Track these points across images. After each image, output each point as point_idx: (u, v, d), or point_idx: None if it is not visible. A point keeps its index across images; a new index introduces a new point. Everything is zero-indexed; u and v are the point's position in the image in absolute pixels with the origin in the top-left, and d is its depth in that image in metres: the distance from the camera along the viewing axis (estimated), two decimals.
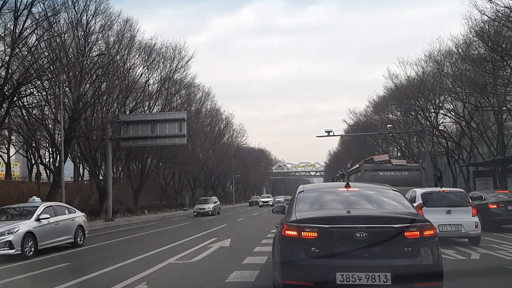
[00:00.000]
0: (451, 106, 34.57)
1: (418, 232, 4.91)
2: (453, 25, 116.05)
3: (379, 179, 20.00)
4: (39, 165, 37.88)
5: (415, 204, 11.53)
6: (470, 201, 12.09)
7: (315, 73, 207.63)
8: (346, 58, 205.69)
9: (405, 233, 4.88)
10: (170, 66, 41.28)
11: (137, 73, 38.06)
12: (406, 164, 24.35)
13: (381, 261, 4.80)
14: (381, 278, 4.68)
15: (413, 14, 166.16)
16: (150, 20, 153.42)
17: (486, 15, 22.13)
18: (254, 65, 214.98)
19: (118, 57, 32.98)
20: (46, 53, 25.00)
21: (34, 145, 33.95)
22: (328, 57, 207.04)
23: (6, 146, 37.70)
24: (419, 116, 36.85)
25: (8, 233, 11.23)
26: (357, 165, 25.80)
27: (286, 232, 5.17)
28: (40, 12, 23.38)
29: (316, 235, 4.95)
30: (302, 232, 5.01)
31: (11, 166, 43.45)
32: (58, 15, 25.19)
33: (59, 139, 26.18)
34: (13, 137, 36.84)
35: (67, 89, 27.73)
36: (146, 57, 38.55)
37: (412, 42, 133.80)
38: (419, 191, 12.77)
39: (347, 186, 6.13)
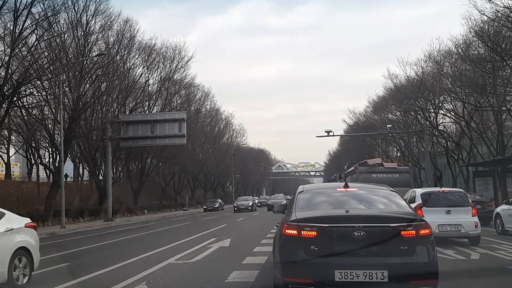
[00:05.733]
0: (451, 106, 34.52)
1: (414, 231, 5.03)
2: (450, 25, 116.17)
3: (372, 180, 21.36)
4: (39, 165, 37.90)
5: (415, 204, 11.61)
6: (470, 201, 12.09)
7: (309, 73, 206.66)
8: (340, 58, 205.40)
9: (402, 232, 5.01)
10: (170, 66, 41.38)
11: (137, 73, 38.13)
12: (397, 167, 26.44)
13: (378, 259, 4.92)
14: (378, 276, 4.81)
15: (407, 14, 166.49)
16: (139, 21, 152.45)
17: (486, 15, 22.14)
18: (245, 65, 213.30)
19: (118, 57, 32.99)
20: (46, 53, 24.99)
21: (34, 145, 33.96)
22: (321, 57, 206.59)
23: (6, 146, 37.70)
24: (418, 116, 36.82)
25: None
26: (353, 168, 27.10)
27: (286, 231, 5.29)
28: (40, 12, 23.46)
29: (315, 234, 5.07)
30: (302, 231, 5.13)
31: (11, 166, 43.45)
32: (58, 15, 25.28)
33: (59, 139, 26.18)
34: (12, 137, 36.84)
35: (67, 89, 27.74)
36: (146, 57, 38.60)
37: (407, 42, 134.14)
38: (419, 191, 12.82)
39: (346, 186, 6.28)
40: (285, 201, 35.63)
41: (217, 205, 47.76)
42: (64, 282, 7.52)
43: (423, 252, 5.01)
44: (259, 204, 52.40)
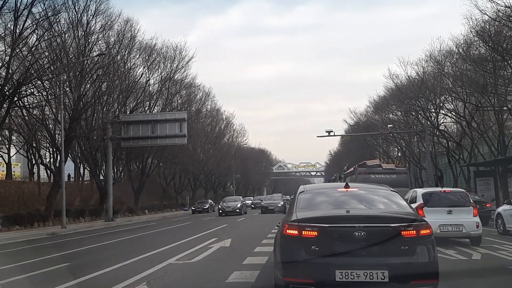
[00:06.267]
0: (452, 106, 34.47)
1: (414, 231, 5.05)
2: (451, 25, 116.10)
3: (371, 181, 22.46)
4: (40, 165, 37.92)
5: (416, 204, 11.62)
6: (471, 201, 12.04)
7: (309, 73, 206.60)
8: (340, 58, 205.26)
9: (402, 232, 5.03)
10: (171, 66, 41.40)
11: (137, 73, 38.18)
12: (394, 168, 27.87)
13: (378, 259, 4.94)
14: (379, 276, 4.83)
15: (407, 14, 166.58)
16: (140, 21, 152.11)
17: (487, 15, 22.08)
18: (246, 65, 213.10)
19: (118, 57, 32.98)
20: (47, 53, 25.00)
21: (34, 145, 33.97)
22: (321, 57, 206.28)
23: (7, 146, 37.71)
24: (419, 116, 36.81)
25: None
26: (352, 168, 28.24)
27: (287, 231, 5.32)
28: (40, 12, 23.45)
29: (316, 234, 5.10)
30: (303, 231, 5.16)
31: (12, 166, 43.44)
32: (59, 15, 25.27)
33: (60, 139, 26.17)
34: (13, 137, 36.86)
35: (67, 89, 27.72)
36: (147, 57, 38.64)
37: (407, 42, 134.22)
38: (420, 191, 12.79)
39: (347, 186, 6.30)
40: (282, 202, 32.82)
41: (207, 206, 43.74)
42: (64, 282, 7.49)
43: (423, 252, 5.03)
44: (252, 206, 46.61)
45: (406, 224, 5.10)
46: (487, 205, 18.66)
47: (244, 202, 38.48)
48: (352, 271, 4.88)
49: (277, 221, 7.67)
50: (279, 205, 32.41)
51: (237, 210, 34.23)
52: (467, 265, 8.54)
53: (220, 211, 34.58)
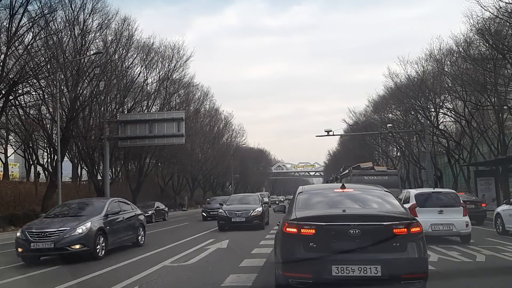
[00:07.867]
0: (452, 105, 34.30)
1: (405, 229, 5.38)
2: (451, 23, 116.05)
3: (364, 182, 24.09)
4: (37, 165, 37.65)
5: (409, 204, 12.14)
6: (462, 201, 12.49)
7: (309, 73, 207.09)
8: (339, 58, 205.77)
9: (394, 230, 5.37)
10: (169, 65, 40.93)
11: (135, 72, 37.74)
12: (386, 170, 29.77)
13: (372, 255, 5.27)
14: (372, 270, 5.17)
15: (407, 13, 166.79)
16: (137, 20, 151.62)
17: (489, 11, 21.82)
18: (243, 65, 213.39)
19: (116, 56, 32.66)
20: (43, 52, 24.71)
21: (31, 145, 33.65)
22: (321, 57, 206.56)
23: (4, 146, 37.44)
24: (419, 115, 36.60)
25: None
26: (347, 170, 30.17)
27: (287, 229, 5.67)
28: (36, 10, 23.21)
29: (314, 231, 5.44)
30: (301, 229, 5.50)
31: (10, 166, 43.18)
32: (55, 13, 25.02)
33: (57, 139, 25.87)
34: (11, 137, 36.59)
35: (64, 88, 27.44)
36: (145, 56, 38.21)
37: (407, 41, 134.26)
38: (413, 192, 13.42)
39: (343, 187, 6.60)
40: (260, 208, 19.13)
41: (150, 213, 27.40)
42: (58, 284, 7.34)
43: (413, 249, 5.34)
44: (204, 215, 27.45)
45: (398, 222, 5.43)
46: (482, 204, 19.23)
47: (145, 215, 15.75)
48: (347, 266, 5.20)
49: (275, 221, 7.43)
50: (254, 213, 18.73)
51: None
52: (471, 267, 8.34)
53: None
